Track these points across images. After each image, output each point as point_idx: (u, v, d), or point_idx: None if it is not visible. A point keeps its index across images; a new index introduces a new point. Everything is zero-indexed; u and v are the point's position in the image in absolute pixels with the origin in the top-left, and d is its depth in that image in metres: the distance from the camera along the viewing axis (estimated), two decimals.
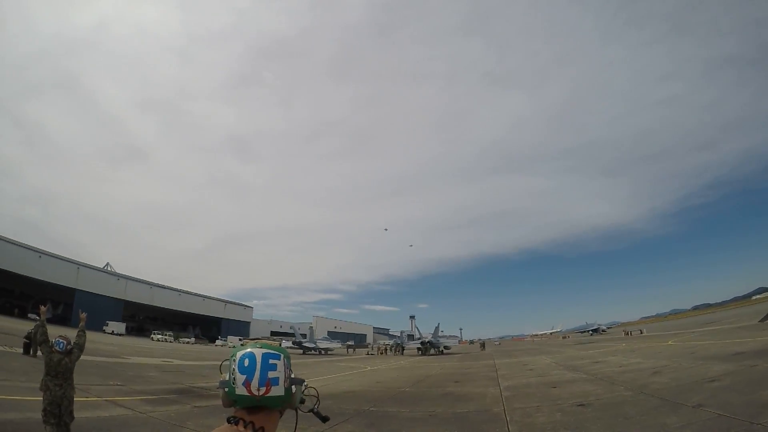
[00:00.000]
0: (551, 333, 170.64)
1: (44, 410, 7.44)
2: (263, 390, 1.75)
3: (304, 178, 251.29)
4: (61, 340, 7.91)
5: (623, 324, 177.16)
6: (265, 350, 1.81)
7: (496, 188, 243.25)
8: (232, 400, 1.79)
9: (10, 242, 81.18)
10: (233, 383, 1.76)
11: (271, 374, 1.77)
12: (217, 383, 1.89)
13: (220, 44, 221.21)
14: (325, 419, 2.21)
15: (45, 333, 8.00)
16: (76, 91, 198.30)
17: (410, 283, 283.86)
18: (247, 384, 1.74)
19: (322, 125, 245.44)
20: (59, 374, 7.67)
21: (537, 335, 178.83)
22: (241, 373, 1.75)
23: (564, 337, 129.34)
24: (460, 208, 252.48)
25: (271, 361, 1.79)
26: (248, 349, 1.81)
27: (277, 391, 1.78)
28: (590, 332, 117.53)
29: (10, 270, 78.62)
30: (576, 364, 27.92)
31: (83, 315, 9.01)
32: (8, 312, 71.15)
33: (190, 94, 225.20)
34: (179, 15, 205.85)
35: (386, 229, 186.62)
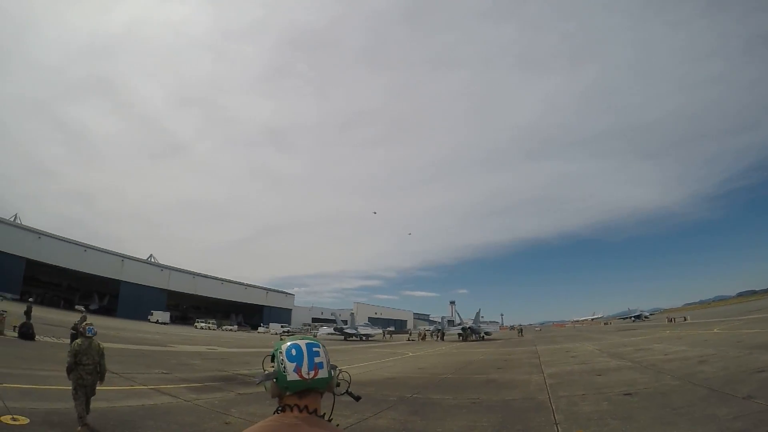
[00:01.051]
0: (592, 319, 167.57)
1: (75, 391, 8.95)
2: (312, 373, 1.94)
3: (340, 167, 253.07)
4: (90, 327, 9.85)
5: (666, 311, 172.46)
6: (307, 341, 2.05)
7: (533, 173, 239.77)
8: (282, 387, 1.94)
9: (56, 238, 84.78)
10: (284, 371, 1.93)
11: (316, 359, 1.98)
12: (258, 378, 2.03)
13: (252, 38, 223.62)
14: (357, 398, 2.42)
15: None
16: (112, 91, 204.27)
17: (450, 268, 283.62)
18: (298, 370, 1.93)
19: (357, 114, 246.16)
20: (91, 359, 9.23)
21: (578, 321, 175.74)
22: (291, 361, 1.94)
23: (605, 324, 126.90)
24: (496, 194, 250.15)
25: (314, 349, 2.01)
26: (293, 341, 2.03)
27: (323, 373, 1.98)
28: (632, 319, 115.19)
29: (57, 264, 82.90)
30: (620, 351, 27.30)
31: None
32: (55, 304, 73.71)
33: (225, 88, 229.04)
34: (209, 11, 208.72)
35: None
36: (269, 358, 2.07)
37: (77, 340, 9.72)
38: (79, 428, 8.64)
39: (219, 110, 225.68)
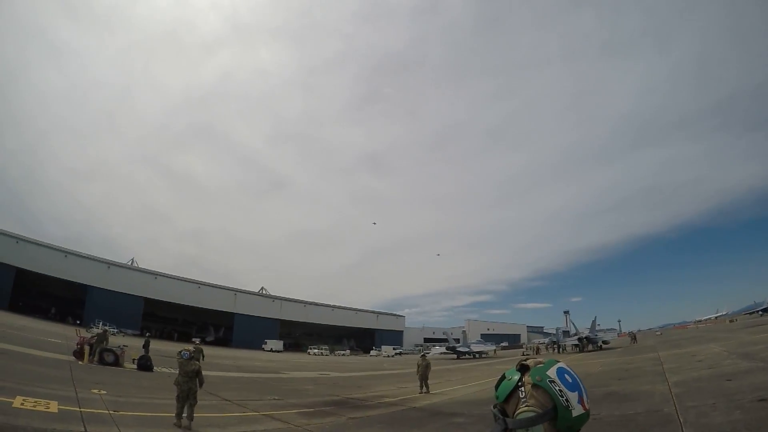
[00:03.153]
0: (716, 317, 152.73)
1: (177, 396, 11.90)
2: (589, 403, 1.58)
3: (440, 183, 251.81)
4: (185, 351, 12.78)
5: None
6: (560, 363, 1.66)
7: (637, 164, 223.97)
8: (565, 427, 1.51)
9: (170, 277, 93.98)
10: (567, 405, 1.51)
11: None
12: (514, 424, 1.56)
13: (336, 71, 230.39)
14: None
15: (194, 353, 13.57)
16: (213, 137, 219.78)
17: (561, 276, 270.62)
18: (581, 400, 1.55)
19: (450, 128, 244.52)
20: (186, 374, 12.17)
21: (701, 321, 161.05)
22: (572, 390, 1.55)
23: (731, 321, 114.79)
24: (603, 191, 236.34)
25: (575, 371, 1.65)
26: (557, 365, 1.64)
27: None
28: (760, 312, 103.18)
29: (173, 301, 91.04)
30: (749, 351, 24.25)
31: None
32: (171, 337, 79.53)
33: (317, 121, 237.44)
34: (292, 52, 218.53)
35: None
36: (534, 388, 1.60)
37: (177, 360, 12.80)
38: (175, 422, 11.73)
39: (314, 143, 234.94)
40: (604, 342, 68.66)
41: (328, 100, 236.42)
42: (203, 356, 26.47)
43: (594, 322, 72.50)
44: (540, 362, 1.68)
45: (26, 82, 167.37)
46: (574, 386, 1.56)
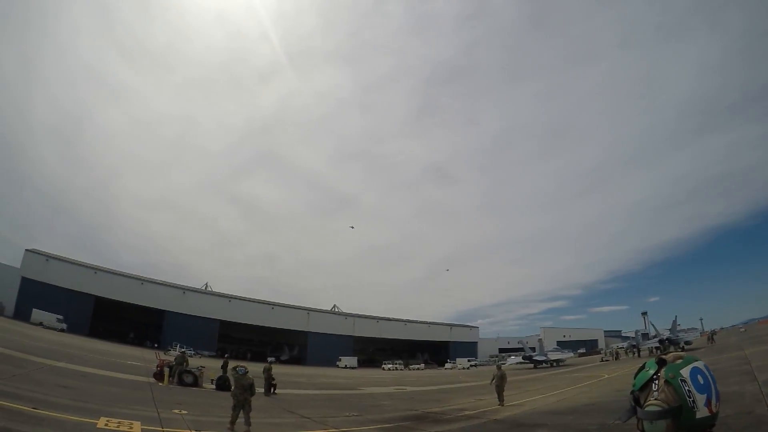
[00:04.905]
0: None
1: (233, 406, 13.64)
2: (718, 406, 1.64)
3: (505, 188, 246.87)
4: (241, 368, 14.70)
5: None
6: (697, 361, 1.71)
7: (707, 149, 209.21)
8: (686, 427, 1.57)
9: (244, 299, 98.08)
10: (692, 406, 1.57)
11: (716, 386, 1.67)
12: (646, 414, 1.65)
13: (391, 85, 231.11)
14: None
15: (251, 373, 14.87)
16: (277, 162, 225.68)
17: (636, 276, 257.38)
18: (709, 403, 1.60)
19: (511, 132, 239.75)
20: (242, 386, 13.90)
21: None
22: (701, 392, 1.60)
23: None
24: (674, 182, 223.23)
25: (711, 372, 1.70)
26: (693, 364, 1.68)
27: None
28: None
29: (247, 322, 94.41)
30: None
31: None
32: (242, 357, 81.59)
33: (378, 138, 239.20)
34: (346, 72, 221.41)
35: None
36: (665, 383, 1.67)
37: (233, 375, 14.95)
38: (228, 427, 13.21)
39: (376, 159, 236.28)
40: (686, 343, 65.05)
41: (386, 116, 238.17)
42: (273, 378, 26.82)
43: (674, 322, 68.94)
44: (680, 357, 1.74)
45: (92, 123, 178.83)
46: (704, 388, 1.59)
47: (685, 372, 1.64)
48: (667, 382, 1.64)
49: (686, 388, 1.59)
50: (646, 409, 1.64)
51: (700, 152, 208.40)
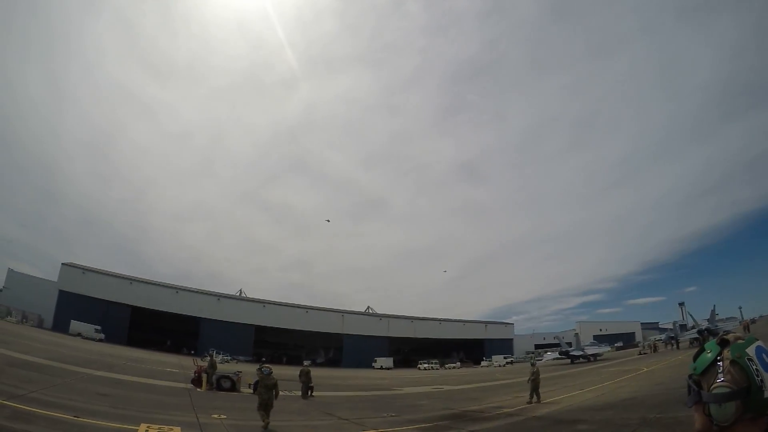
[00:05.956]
0: None
1: (259, 405, 14.57)
2: None
3: (536, 184, 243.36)
4: (266, 368, 15.83)
5: None
6: (760, 341, 1.64)
7: (738, 134, 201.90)
8: (756, 408, 1.50)
9: (278, 304, 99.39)
10: (762, 387, 1.49)
11: None
12: (709, 397, 1.61)
13: (417, 85, 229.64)
14: None
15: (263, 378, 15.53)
16: (306, 168, 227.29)
17: (672, 266, 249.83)
18: None
19: (539, 126, 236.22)
20: (266, 386, 14.87)
21: None
22: None
23: None
24: (704, 169, 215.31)
25: None
26: (757, 343, 1.61)
27: None
28: None
29: (282, 327, 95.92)
30: None
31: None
32: (278, 361, 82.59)
33: (406, 139, 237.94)
34: (369, 75, 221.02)
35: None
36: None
37: (258, 374, 15.95)
38: (263, 425, 14.21)
39: (406, 160, 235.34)
40: (726, 333, 63.43)
41: (414, 116, 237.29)
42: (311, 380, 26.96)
43: (713, 311, 67.34)
44: (740, 338, 1.66)
45: (123, 138, 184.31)
46: None
47: (751, 351, 1.57)
48: (733, 362, 1.57)
49: (754, 367, 1.52)
50: (714, 391, 1.58)
51: (732, 136, 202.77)
